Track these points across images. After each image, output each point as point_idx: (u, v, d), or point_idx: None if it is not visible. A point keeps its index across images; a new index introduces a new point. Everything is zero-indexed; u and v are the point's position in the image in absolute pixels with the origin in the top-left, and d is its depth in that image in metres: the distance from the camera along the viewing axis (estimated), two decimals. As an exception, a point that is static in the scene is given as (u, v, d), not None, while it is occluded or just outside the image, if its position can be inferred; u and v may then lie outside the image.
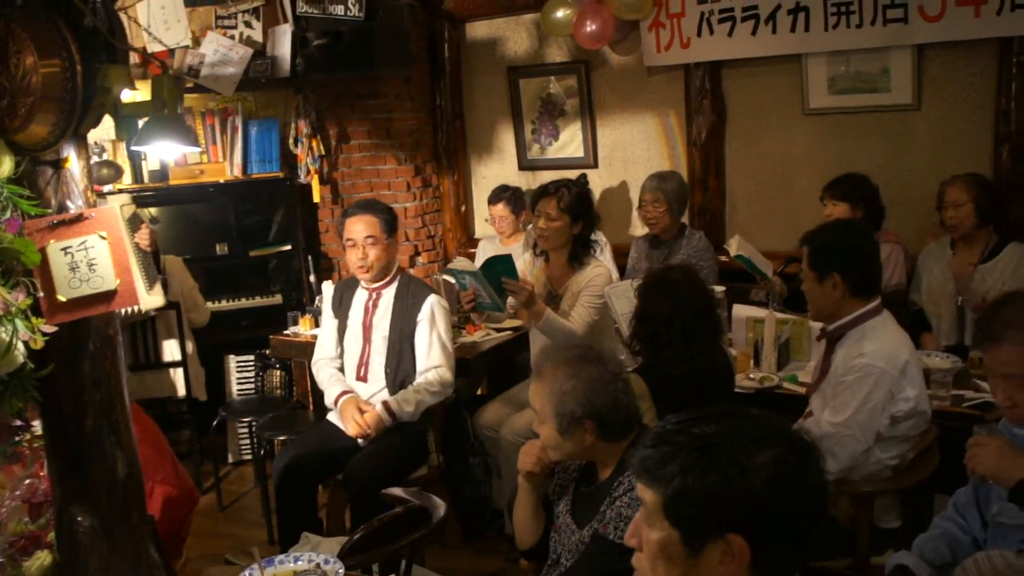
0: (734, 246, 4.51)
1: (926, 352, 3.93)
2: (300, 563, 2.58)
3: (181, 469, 3.21)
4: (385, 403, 3.96)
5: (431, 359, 4.01)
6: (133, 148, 4.10)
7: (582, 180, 4.42)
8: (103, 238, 1.78)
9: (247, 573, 2.54)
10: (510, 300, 4.04)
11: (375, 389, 4.07)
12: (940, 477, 3.15)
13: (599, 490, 2.48)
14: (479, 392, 5.06)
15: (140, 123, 2.25)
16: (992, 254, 4.22)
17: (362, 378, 4.10)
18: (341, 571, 2.52)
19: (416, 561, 3.02)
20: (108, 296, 1.80)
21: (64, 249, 1.76)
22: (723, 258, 4.64)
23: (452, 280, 4.39)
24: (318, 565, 2.55)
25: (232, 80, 5.50)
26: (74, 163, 1.79)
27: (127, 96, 1.92)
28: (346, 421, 3.96)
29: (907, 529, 3.15)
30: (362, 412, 3.95)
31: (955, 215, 4.23)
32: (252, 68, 5.53)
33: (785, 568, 1.46)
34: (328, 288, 4.44)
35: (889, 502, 3.22)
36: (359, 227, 4.00)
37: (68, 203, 1.80)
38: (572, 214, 4.11)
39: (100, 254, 1.78)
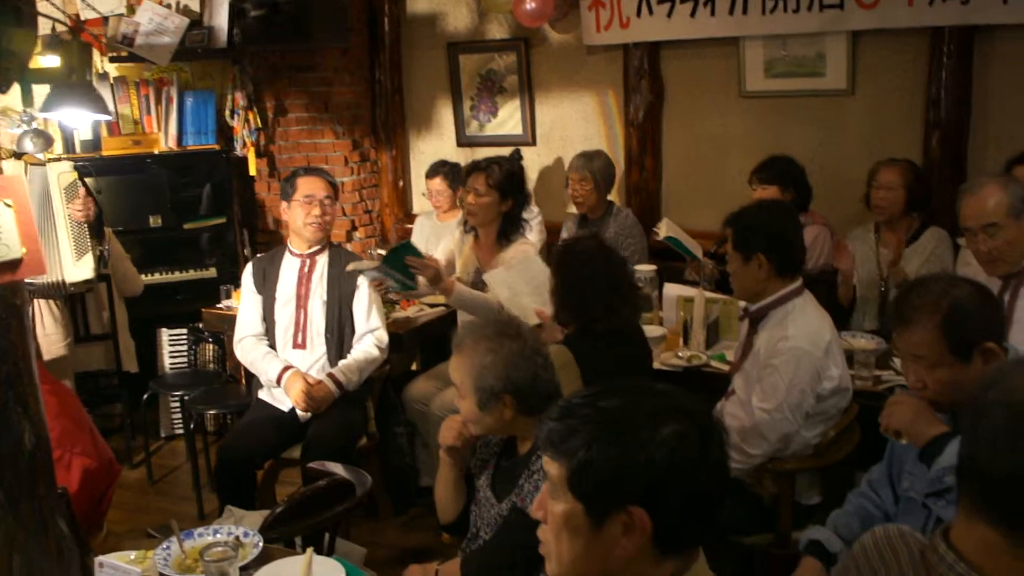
0: (663, 229, 4.54)
1: (851, 333, 4.00)
2: (219, 536, 2.57)
3: (101, 441, 3.18)
4: (331, 374, 3.96)
5: (371, 321, 4.06)
6: (40, 115, 3.98)
7: (515, 156, 4.41)
8: (8, 206, 1.74)
9: (165, 546, 2.53)
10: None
11: (316, 356, 4.05)
12: (860, 455, 3.22)
13: (518, 464, 2.50)
14: (412, 367, 5.05)
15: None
16: (914, 238, 4.30)
17: (300, 345, 4.06)
18: (260, 544, 2.52)
19: (341, 535, 3.02)
20: (13, 265, 1.76)
21: (-33, 216, 1.73)
22: (656, 238, 4.66)
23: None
24: (237, 538, 2.54)
25: (167, 50, 5.39)
26: (-21, 128, 1.76)
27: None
28: (294, 397, 3.93)
29: (828, 505, 3.19)
30: (310, 385, 3.94)
31: (885, 197, 4.29)
32: (188, 38, 5.42)
33: (688, 541, 1.49)
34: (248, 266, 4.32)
35: (810, 479, 3.28)
36: (320, 185, 4.04)
37: (-28, 169, 1.76)
38: (501, 191, 4.12)
39: (5, 222, 1.74)
